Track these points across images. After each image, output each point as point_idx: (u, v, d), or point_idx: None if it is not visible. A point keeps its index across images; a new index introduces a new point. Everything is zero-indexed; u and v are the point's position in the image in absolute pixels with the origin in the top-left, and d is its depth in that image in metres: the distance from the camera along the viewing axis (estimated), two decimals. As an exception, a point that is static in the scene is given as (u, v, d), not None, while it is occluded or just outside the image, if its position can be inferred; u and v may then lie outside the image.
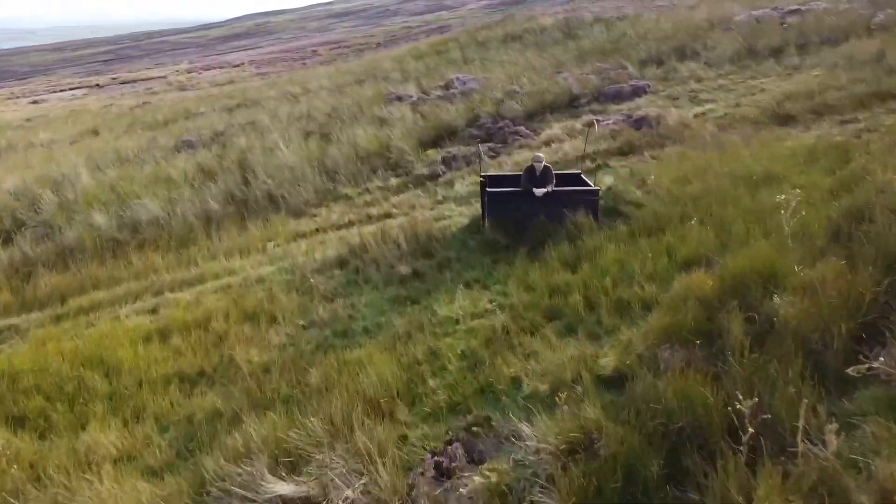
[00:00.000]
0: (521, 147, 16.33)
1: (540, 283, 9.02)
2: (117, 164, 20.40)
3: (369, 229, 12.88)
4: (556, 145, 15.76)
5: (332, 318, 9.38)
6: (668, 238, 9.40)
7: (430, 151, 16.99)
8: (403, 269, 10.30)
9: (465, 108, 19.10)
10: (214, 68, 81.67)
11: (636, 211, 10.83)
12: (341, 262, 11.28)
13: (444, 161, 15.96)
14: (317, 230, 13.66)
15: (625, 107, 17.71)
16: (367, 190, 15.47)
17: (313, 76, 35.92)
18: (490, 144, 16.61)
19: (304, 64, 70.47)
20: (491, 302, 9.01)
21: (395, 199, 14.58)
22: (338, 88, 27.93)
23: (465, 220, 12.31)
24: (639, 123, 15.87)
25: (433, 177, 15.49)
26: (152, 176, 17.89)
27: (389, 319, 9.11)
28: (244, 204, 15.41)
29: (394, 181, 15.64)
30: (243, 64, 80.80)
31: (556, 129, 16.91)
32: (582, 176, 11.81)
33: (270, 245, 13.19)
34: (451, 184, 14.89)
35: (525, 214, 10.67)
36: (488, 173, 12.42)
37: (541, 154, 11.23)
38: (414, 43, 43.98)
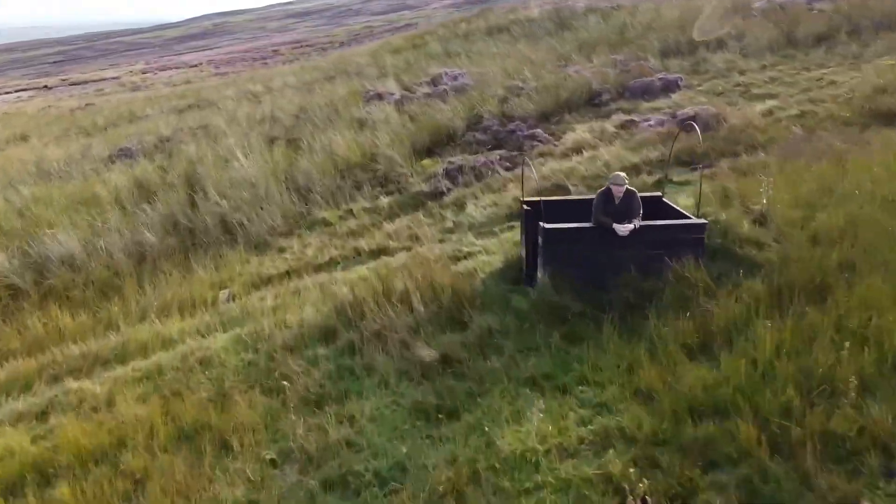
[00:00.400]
0: (541, 155, 12.70)
1: (661, 389, 5.40)
2: (37, 179, 16.28)
3: (361, 273, 9.15)
4: (588, 153, 12.17)
5: (321, 448, 5.60)
6: (844, 305, 5.88)
7: (427, 161, 13.30)
8: (425, 353, 6.57)
9: (464, 107, 15.40)
10: (171, 69, 77.32)
11: (758, 253, 7.27)
12: (327, 333, 7.49)
13: (448, 174, 12.27)
14: (287, 272, 9.84)
15: (661, 104, 14.21)
16: (352, 213, 11.70)
17: (277, 73, 31.93)
18: (501, 152, 12.96)
19: (266, 63, 66.59)
20: (585, 423, 5.32)
21: (389, 227, 10.84)
22: (305, 86, 24.00)
23: (496, 262, 8.62)
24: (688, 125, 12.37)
25: (435, 195, 11.79)
26: (76, 195, 13.86)
27: (416, 453, 5.37)
28: (190, 234, 11.52)
29: (385, 200, 11.88)
30: (201, 64, 76.64)
31: (580, 131, 13.33)
32: (665, 201, 8.23)
33: (223, 295, 9.38)
34: (460, 205, 11.21)
35: (605, 263, 7.06)
36: (535, 199, 8.58)
37: (622, 173, 7.59)
38: (384, 39, 40.20)
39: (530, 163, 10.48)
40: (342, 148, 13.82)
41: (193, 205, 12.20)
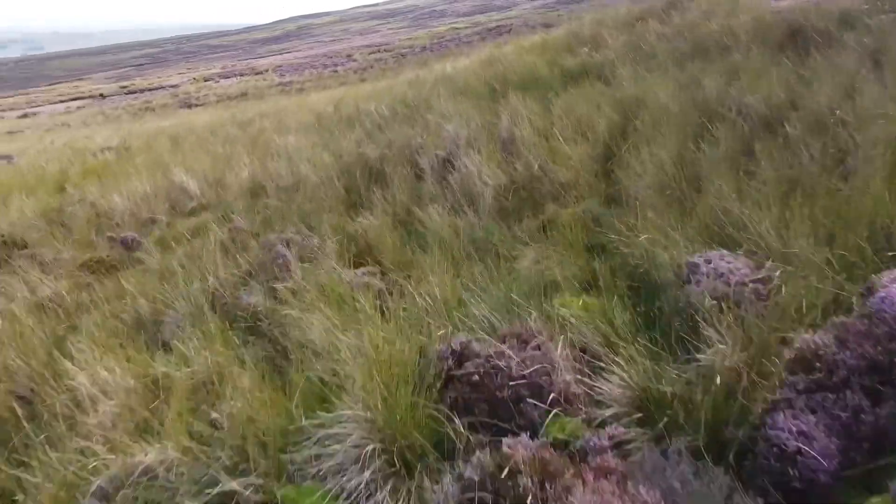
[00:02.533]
0: None
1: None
2: None
3: None
4: None
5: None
6: None
7: None
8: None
9: None
10: (235, 76, 62.97)
11: None
12: None
13: None
14: None
15: None
16: None
17: (280, 124, 16.08)
18: None
19: (336, 70, 51.52)
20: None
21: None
22: (304, 223, 7.86)
23: None
24: None
25: None
26: None
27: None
28: None
29: None
30: (267, 71, 61.92)
31: None
32: None
33: None
34: None
35: None
36: None
37: None
38: (485, 49, 23.41)
39: None
40: None
41: None
